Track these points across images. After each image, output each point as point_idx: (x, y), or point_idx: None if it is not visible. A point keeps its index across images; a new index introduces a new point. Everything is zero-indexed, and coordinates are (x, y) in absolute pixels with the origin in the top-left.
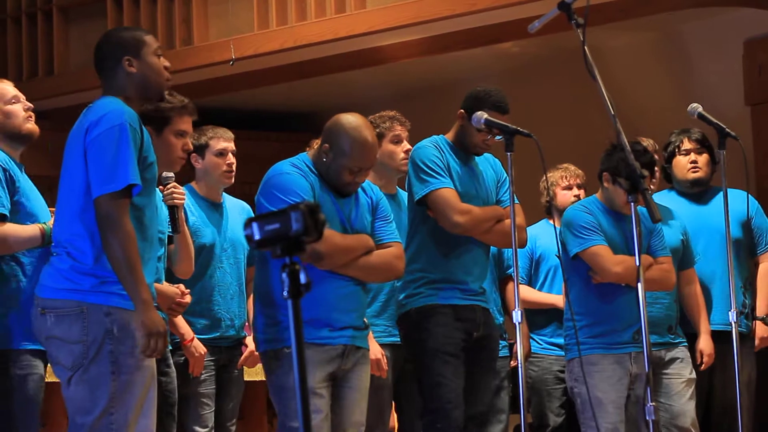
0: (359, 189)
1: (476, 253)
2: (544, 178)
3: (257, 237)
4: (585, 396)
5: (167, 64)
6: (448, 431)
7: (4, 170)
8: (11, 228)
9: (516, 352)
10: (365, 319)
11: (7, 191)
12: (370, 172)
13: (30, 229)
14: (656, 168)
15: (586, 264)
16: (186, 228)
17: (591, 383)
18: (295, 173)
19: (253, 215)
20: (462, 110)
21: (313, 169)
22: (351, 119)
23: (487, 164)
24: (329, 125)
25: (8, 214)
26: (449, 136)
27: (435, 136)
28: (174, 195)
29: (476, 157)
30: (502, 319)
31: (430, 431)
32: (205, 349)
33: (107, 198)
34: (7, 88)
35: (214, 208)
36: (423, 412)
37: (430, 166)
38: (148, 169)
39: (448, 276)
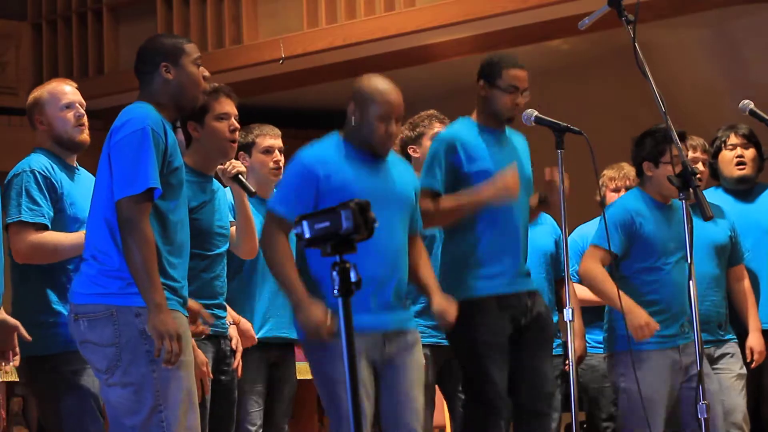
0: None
1: (510, 229)
2: (600, 175)
3: (307, 235)
4: (634, 391)
5: (206, 74)
6: (498, 426)
7: (45, 178)
8: (52, 236)
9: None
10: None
11: (48, 200)
12: (415, 173)
13: (73, 236)
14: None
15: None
16: (247, 207)
17: (640, 378)
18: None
19: None
20: (481, 80)
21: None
22: (368, 76)
23: (518, 138)
24: (351, 90)
25: (49, 223)
26: (474, 115)
27: (461, 118)
28: (233, 164)
29: (507, 133)
30: (556, 318)
31: (479, 424)
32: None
33: (128, 201)
34: (65, 90)
35: (262, 203)
36: (469, 404)
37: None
38: (173, 174)
39: (488, 260)
